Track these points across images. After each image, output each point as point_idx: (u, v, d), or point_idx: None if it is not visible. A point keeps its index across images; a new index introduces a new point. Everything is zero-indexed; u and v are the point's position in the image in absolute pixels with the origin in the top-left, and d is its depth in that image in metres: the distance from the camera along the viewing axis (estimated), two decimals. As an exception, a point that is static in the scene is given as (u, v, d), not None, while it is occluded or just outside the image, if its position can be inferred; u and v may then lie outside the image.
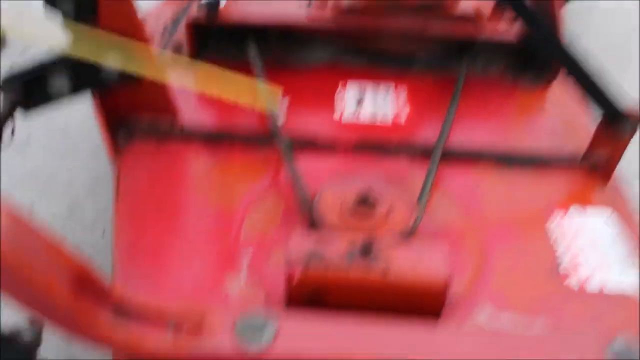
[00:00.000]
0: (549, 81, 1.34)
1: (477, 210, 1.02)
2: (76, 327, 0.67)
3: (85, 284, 0.69)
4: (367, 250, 0.77)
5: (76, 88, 1.01)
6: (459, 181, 1.08)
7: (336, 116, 1.21)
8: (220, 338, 0.70)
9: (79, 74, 0.99)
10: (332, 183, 0.98)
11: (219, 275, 0.89)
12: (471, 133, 1.19)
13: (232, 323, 0.71)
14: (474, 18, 1.31)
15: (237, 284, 0.88)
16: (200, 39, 1.32)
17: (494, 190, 1.07)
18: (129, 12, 0.98)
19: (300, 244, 0.79)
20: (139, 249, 0.91)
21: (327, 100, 1.25)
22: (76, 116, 1.83)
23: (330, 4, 1.29)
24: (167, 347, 0.70)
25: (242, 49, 1.32)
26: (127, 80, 1.00)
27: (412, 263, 0.79)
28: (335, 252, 0.78)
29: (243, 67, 1.12)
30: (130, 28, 0.97)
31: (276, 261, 0.91)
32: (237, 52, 1.34)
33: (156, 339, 0.71)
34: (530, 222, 1.02)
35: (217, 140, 1.10)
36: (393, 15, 1.28)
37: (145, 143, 1.08)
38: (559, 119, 1.26)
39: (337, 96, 1.25)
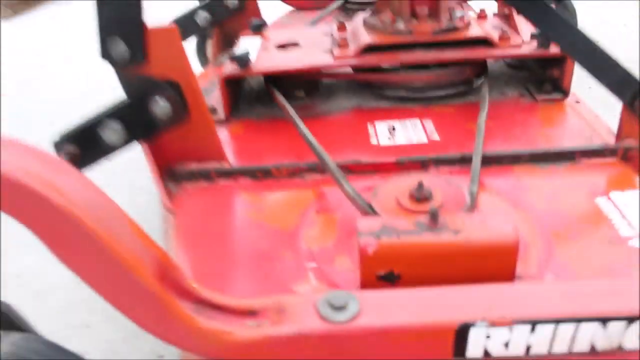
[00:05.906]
0: (564, 95, 1.41)
1: (523, 203, 1.03)
2: (159, 316, 0.67)
3: (167, 273, 0.70)
4: (434, 218, 0.78)
5: (129, 138, 1.07)
6: (501, 181, 1.10)
7: (373, 142, 1.27)
8: (305, 319, 0.69)
9: (131, 124, 1.05)
10: (384, 183, 1.00)
11: (287, 291, 0.89)
12: (503, 141, 1.24)
13: (313, 305, 0.70)
14: (486, 41, 1.41)
15: (307, 289, 0.88)
16: (233, 97, 1.41)
17: (534, 184, 1.09)
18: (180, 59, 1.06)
19: (368, 225, 0.80)
20: (201, 276, 0.91)
21: (361, 135, 1.30)
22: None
23: (351, 47, 1.40)
24: (254, 334, 0.69)
25: (270, 107, 1.41)
26: (178, 124, 1.07)
27: (480, 226, 0.79)
28: (404, 226, 0.79)
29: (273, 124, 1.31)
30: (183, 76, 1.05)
31: (341, 265, 0.91)
32: (266, 111, 1.43)
33: (243, 327, 0.70)
34: (577, 206, 1.03)
35: (264, 174, 1.14)
36: (409, 49, 1.38)
37: (196, 185, 1.13)
38: (583, 122, 1.31)
39: (369, 132, 1.32)
